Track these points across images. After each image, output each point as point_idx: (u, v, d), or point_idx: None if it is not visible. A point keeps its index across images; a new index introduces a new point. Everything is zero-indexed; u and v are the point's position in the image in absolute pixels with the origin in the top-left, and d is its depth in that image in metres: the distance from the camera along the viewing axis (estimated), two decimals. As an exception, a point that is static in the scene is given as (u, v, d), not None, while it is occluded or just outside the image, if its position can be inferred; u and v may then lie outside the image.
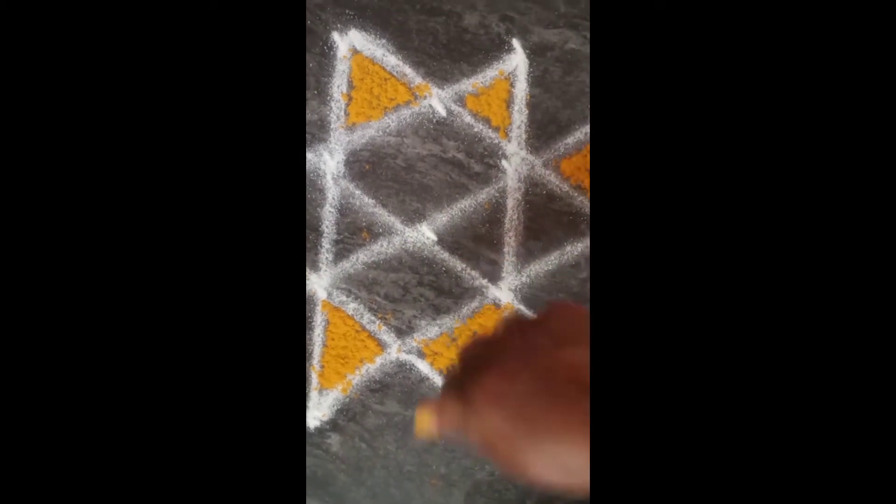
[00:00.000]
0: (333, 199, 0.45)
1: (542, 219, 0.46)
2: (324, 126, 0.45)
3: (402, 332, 0.46)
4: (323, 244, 0.45)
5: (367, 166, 0.46)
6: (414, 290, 0.46)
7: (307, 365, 0.45)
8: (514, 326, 0.29)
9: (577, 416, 0.23)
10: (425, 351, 0.46)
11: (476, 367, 0.27)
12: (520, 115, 0.46)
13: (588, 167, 0.46)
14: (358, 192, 0.46)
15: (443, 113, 0.46)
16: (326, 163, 0.45)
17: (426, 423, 0.34)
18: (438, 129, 0.46)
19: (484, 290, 0.46)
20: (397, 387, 0.46)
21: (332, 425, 0.46)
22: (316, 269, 0.45)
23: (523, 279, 0.46)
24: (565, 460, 0.23)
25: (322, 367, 0.45)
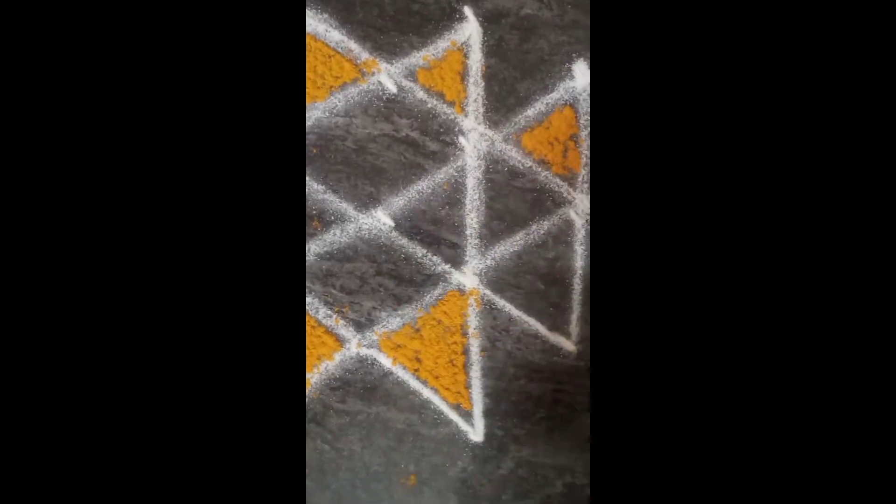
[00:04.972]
0: (280, 187, 0.43)
1: (505, 197, 0.44)
2: (265, 109, 0.42)
3: (361, 326, 0.43)
4: (271, 236, 0.43)
5: (314, 150, 0.43)
6: (372, 280, 0.43)
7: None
8: None
9: None
10: (387, 344, 0.43)
11: None
12: (476, 88, 0.43)
13: (550, 140, 0.44)
14: (306, 178, 0.43)
15: (393, 89, 0.43)
16: (271, 149, 0.42)
17: None
18: (389, 106, 0.43)
19: (447, 275, 0.43)
20: (359, 383, 0.43)
21: (292, 427, 0.43)
22: (266, 262, 0.43)
23: (488, 262, 0.44)
24: None
25: (278, 366, 0.43)
